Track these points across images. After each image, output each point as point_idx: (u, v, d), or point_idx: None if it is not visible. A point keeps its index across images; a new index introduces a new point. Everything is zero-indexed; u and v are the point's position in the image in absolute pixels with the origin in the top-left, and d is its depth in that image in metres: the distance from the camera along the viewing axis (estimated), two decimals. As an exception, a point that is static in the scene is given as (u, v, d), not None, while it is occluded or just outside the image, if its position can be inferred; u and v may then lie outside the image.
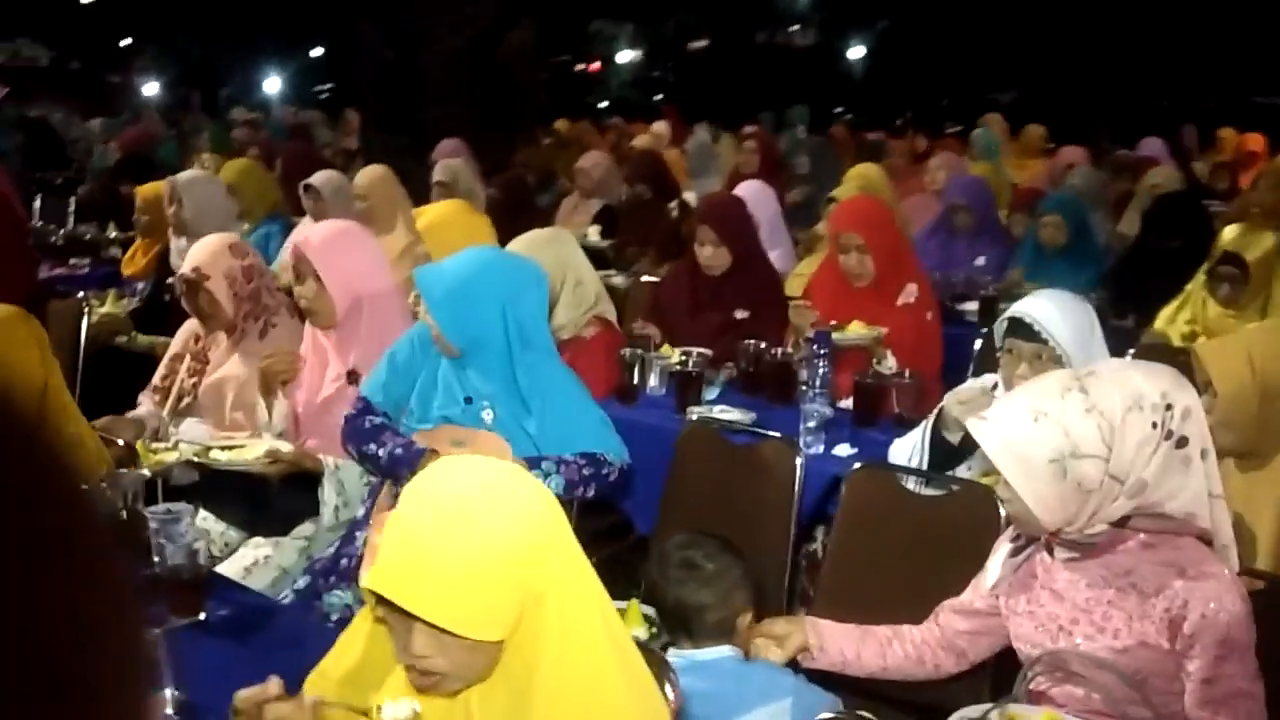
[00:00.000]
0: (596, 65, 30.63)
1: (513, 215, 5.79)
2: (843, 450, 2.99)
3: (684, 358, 3.50)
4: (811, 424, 2.93)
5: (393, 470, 2.48)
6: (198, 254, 2.86)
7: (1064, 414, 1.83)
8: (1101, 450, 1.81)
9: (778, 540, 2.69)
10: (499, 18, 9.16)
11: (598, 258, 6.13)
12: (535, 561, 1.28)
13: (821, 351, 3.15)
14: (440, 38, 8.73)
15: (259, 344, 2.97)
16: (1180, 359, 3.64)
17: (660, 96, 31.83)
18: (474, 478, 1.34)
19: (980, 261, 5.48)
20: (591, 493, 2.61)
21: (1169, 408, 1.86)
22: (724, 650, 1.95)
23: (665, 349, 3.84)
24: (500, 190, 5.94)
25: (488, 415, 2.64)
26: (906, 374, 3.32)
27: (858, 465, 2.66)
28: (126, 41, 24.14)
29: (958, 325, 4.55)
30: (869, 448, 3.03)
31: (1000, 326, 2.63)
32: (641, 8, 28.90)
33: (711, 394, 3.50)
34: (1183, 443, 1.87)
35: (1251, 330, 2.50)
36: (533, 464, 2.55)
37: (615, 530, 3.28)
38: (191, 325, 3.18)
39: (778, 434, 2.89)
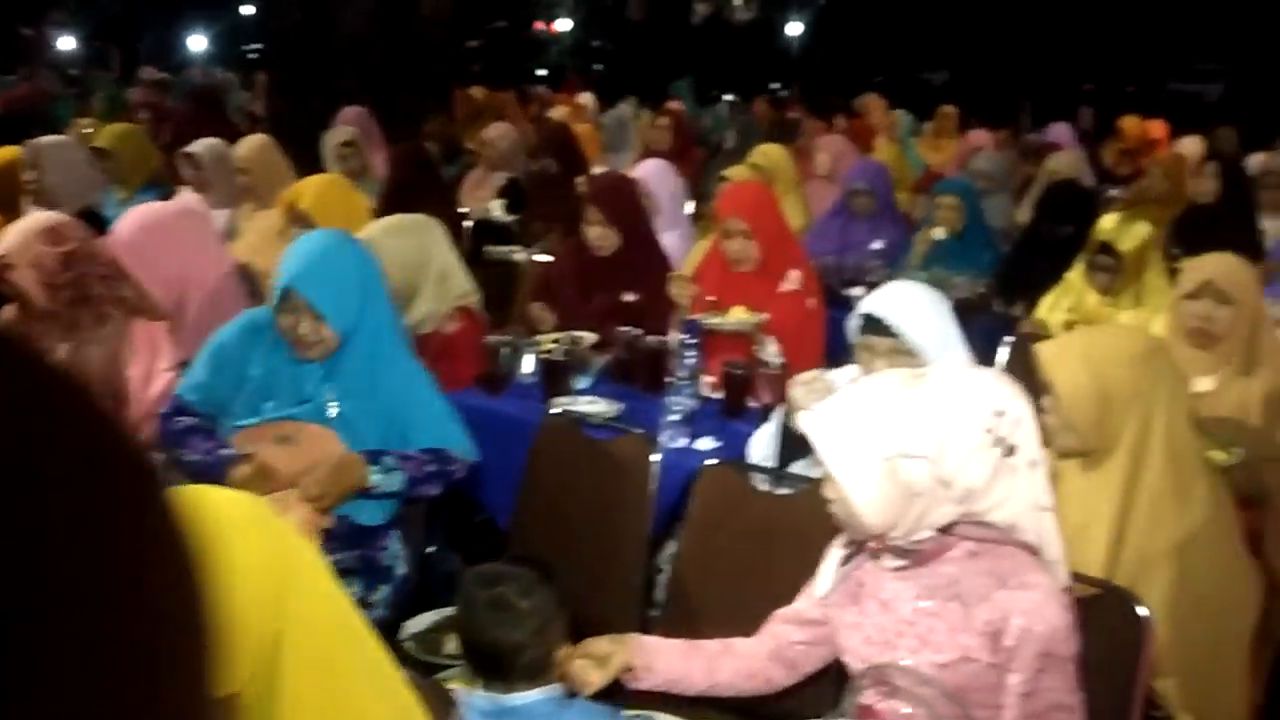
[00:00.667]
0: (555, 25, 30.13)
1: (410, 188, 5.64)
2: (705, 444, 2.93)
3: (554, 345, 3.40)
4: (674, 416, 2.86)
5: (201, 481, 2.37)
6: (5, 238, 2.67)
7: (895, 412, 1.77)
8: (930, 451, 1.76)
9: (633, 542, 2.62)
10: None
11: (502, 233, 6.02)
12: (266, 603, 1.18)
13: (691, 340, 3.07)
14: (353, -2, 8.50)
15: (99, 332, 2.81)
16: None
17: (599, 67, 31.67)
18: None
19: (878, 245, 5.46)
20: (436, 490, 2.53)
21: (1001, 414, 1.82)
22: (537, 694, 1.81)
23: (544, 337, 3.75)
24: (396, 162, 5.76)
25: (333, 409, 2.53)
26: (775, 362, 3.25)
27: (707, 463, 2.59)
28: (46, -8, 23.27)
29: (846, 310, 4.51)
30: (735, 441, 2.97)
31: (854, 321, 2.58)
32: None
33: (584, 383, 3.42)
34: (1012, 451, 1.83)
35: (1091, 331, 2.47)
36: (373, 459, 2.45)
37: (482, 529, 3.20)
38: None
39: (639, 429, 2.82)
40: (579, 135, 7.40)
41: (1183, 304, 3.11)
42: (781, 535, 2.46)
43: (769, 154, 5.82)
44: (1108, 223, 4.05)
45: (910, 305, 2.54)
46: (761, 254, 3.86)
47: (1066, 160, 6.21)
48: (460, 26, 9.88)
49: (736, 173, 5.66)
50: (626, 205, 4.20)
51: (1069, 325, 4.12)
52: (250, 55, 20.54)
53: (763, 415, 3.11)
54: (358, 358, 2.50)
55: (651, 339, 3.44)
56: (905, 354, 2.52)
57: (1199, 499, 2.28)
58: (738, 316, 3.75)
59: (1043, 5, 23.93)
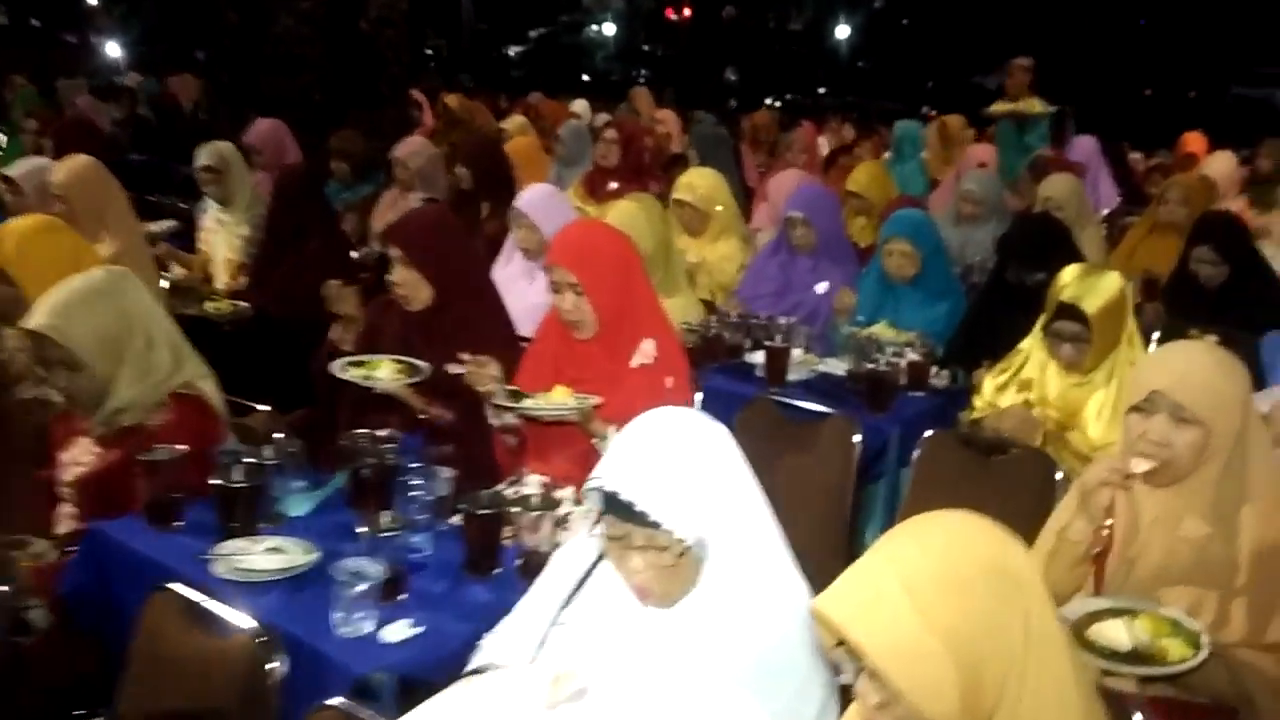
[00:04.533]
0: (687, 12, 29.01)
1: (286, 216, 4.82)
2: (395, 632, 1.99)
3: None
4: (354, 587, 1.94)
5: None
6: None
7: None
8: None
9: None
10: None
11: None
12: None
13: (415, 465, 2.16)
14: (290, -1, 7.73)
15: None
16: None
17: (645, 73, 30.79)
18: None
19: (822, 288, 4.50)
20: None
21: None
22: None
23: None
24: (275, 188, 4.95)
25: None
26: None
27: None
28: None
29: (742, 380, 3.58)
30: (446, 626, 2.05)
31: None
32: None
33: (304, 507, 2.48)
34: None
35: (899, 550, 1.45)
36: None
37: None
38: None
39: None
40: (522, 147, 6.53)
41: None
42: None
43: (695, 183, 4.88)
44: (1068, 276, 3.08)
45: (667, 476, 1.68)
46: (600, 317, 2.95)
47: (1063, 186, 5.18)
48: (419, 28, 9.02)
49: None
50: (444, 247, 3.30)
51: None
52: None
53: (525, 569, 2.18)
54: None
55: (391, 449, 2.51)
56: (663, 549, 1.68)
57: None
58: (557, 399, 2.85)
59: (1101, 5, 22.60)
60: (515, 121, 7.76)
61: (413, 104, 9.79)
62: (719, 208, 4.89)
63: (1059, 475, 2.70)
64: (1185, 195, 5.04)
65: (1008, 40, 24.31)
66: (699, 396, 3.24)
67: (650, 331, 3.01)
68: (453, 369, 3.03)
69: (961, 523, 1.41)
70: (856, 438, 2.92)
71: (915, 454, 2.90)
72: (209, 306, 4.53)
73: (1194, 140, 7.85)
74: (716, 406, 3.24)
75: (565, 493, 2.98)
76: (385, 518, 2.19)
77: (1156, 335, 4.15)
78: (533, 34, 29.93)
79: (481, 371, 2.91)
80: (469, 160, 5.75)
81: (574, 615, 1.83)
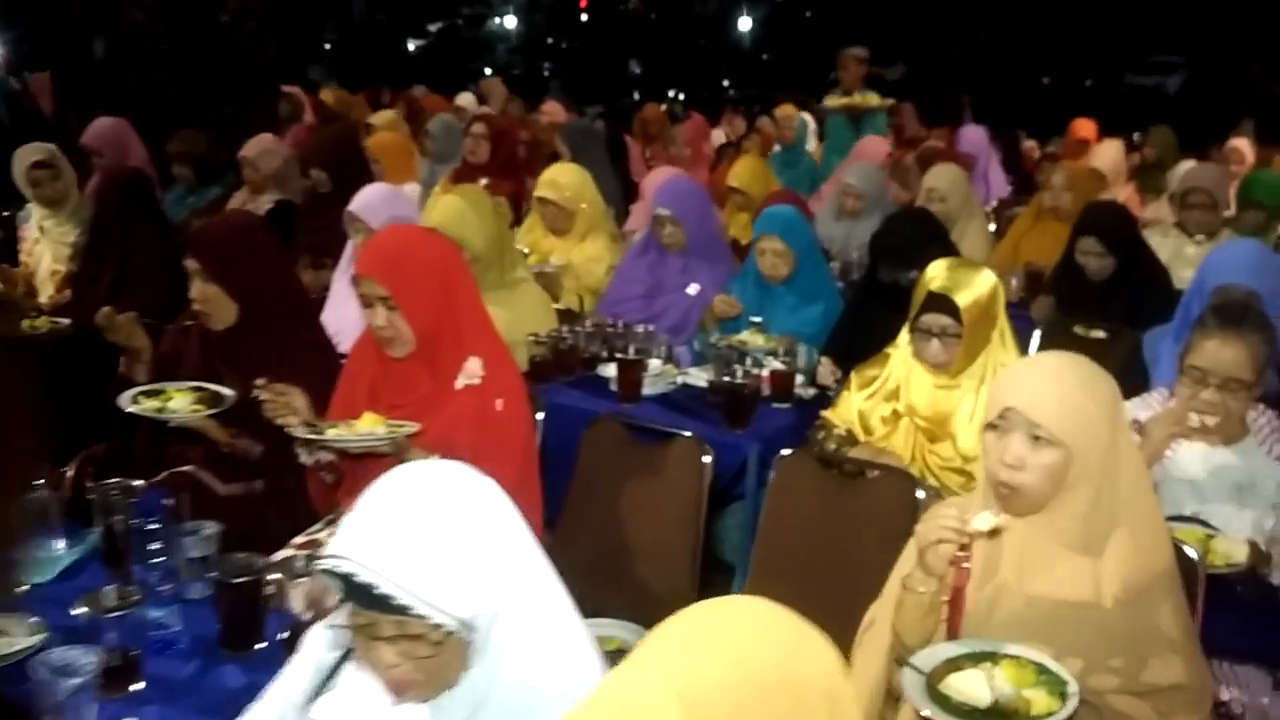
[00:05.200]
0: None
1: (113, 222, 4.39)
2: None
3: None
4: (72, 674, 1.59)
5: None
6: None
7: None
8: None
9: None
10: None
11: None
12: None
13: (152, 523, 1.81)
14: (139, -10, 7.22)
15: None
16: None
17: (549, 65, 30.32)
18: None
19: (693, 290, 4.22)
20: None
21: None
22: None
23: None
24: (96, 193, 4.52)
25: None
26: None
27: None
28: None
29: (595, 396, 3.27)
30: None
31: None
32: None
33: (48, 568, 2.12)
34: None
35: (676, 655, 1.11)
36: None
37: None
38: None
39: None
40: (387, 144, 6.14)
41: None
42: None
43: (558, 179, 4.56)
44: (938, 267, 2.83)
45: (417, 551, 1.37)
46: (418, 334, 2.62)
47: (947, 177, 4.97)
48: (283, 22, 8.56)
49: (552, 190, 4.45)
50: (249, 259, 2.95)
51: (893, 419, 2.90)
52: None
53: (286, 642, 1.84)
54: None
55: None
56: (417, 637, 1.40)
57: None
58: (364, 428, 2.52)
59: (999, -3, 22.78)
60: (384, 117, 7.35)
61: (286, 101, 9.34)
62: (584, 205, 4.58)
63: (920, 495, 2.44)
64: (1069, 182, 4.85)
65: (909, 31, 24.48)
66: (541, 416, 2.93)
67: (476, 348, 2.69)
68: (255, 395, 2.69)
69: (752, 619, 1.12)
70: (707, 459, 2.64)
71: (770, 475, 2.62)
72: (25, 324, 4.11)
73: (1084, 126, 7.73)
74: (563, 426, 2.97)
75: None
76: (109, 593, 1.83)
77: (1038, 333, 3.95)
78: (432, 27, 29.29)
79: (280, 400, 2.56)
80: (323, 160, 5.35)
81: (323, 713, 1.51)
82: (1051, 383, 1.83)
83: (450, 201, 3.84)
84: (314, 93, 9.68)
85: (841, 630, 1.97)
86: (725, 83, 25.25)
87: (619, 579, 2.71)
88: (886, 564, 2.06)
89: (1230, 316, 2.52)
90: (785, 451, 2.64)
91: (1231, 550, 2.35)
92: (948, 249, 3.58)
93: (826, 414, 2.99)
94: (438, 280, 2.65)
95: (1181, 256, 4.62)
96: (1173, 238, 4.79)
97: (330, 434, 2.52)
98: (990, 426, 1.87)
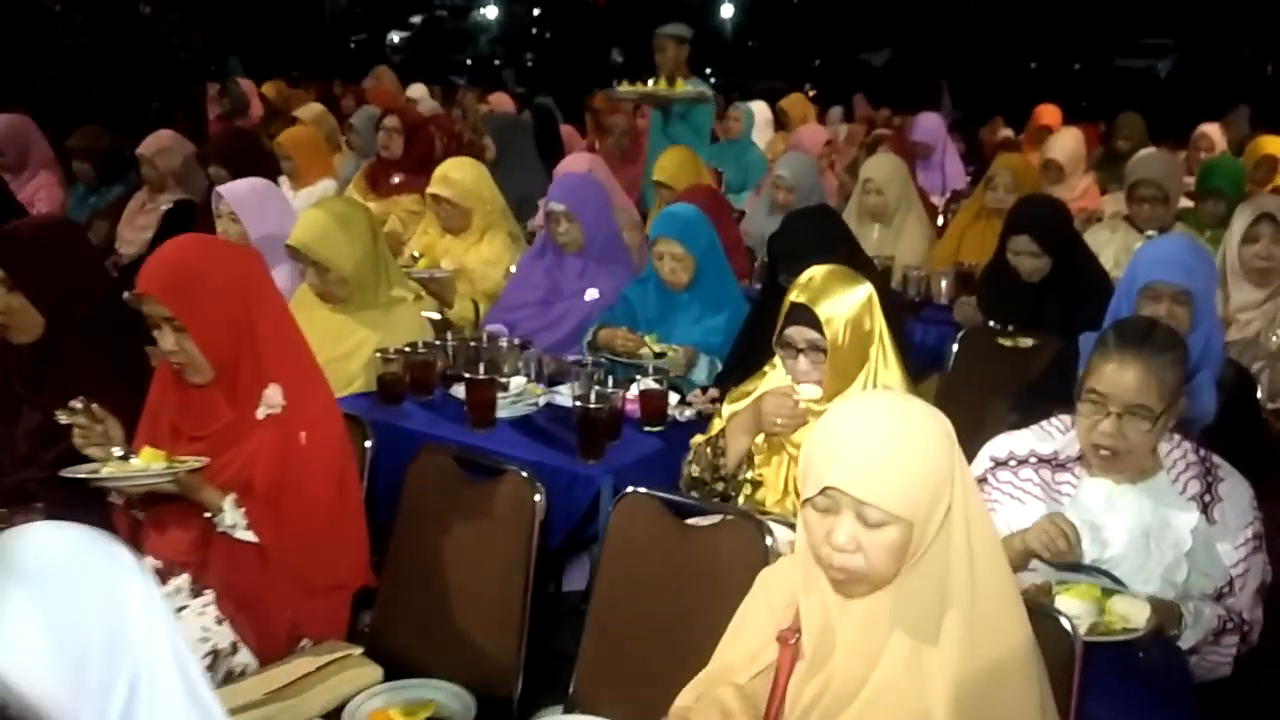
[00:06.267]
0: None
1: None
2: None
3: None
4: None
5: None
6: None
7: None
8: None
9: None
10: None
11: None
12: None
13: None
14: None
15: None
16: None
17: (531, 56, 29.86)
18: None
19: (591, 295, 3.87)
20: None
21: None
22: None
23: None
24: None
25: None
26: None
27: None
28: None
29: (449, 421, 2.92)
30: None
31: None
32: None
33: None
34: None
35: None
36: None
37: None
38: None
39: None
40: (300, 139, 5.80)
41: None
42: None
43: (450, 175, 4.21)
44: (805, 275, 2.50)
45: None
46: (211, 360, 2.29)
47: (884, 167, 4.61)
48: (209, 12, 8.20)
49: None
50: (60, 266, 2.66)
51: (765, 448, 2.56)
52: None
53: None
54: None
55: None
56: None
57: None
58: (140, 464, 2.21)
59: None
60: (310, 110, 6.98)
61: (231, 95, 9.01)
62: (482, 202, 4.24)
63: (769, 542, 2.10)
64: (1015, 182, 4.50)
65: (894, 15, 24.07)
66: (369, 444, 2.59)
67: (277, 375, 2.35)
68: (63, 419, 2.37)
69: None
70: (538, 497, 2.30)
71: (609, 517, 2.28)
72: None
73: (1048, 113, 7.35)
74: (405, 454, 2.62)
75: (179, 580, 2.35)
76: None
77: (960, 335, 3.60)
78: (414, 19, 28.84)
79: (93, 430, 2.27)
80: (222, 157, 5.03)
81: None
82: (877, 450, 1.48)
83: (314, 217, 3.35)
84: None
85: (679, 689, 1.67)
86: (708, 70, 24.77)
87: (445, 634, 2.38)
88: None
89: (1132, 336, 2.17)
90: (629, 489, 2.29)
91: (1131, 612, 2.01)
92: (851, 250, 3.24)
93: (697, 440, 2.65)
94: (233, 299, 2.32)
95: (1130, 252, 4.27)
96: (1121, 232, 4.45)
97: (105, 471, 2.21)
98: (807, 502, 1.54)
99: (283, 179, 5.77)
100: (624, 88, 6.24)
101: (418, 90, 10.16)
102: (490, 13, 29.66)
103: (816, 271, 2.47)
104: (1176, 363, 2.15)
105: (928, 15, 23.39)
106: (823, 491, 1.50)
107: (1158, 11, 20.16)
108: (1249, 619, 2.21)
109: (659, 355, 3.38)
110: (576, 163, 4.70)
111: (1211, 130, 6.74)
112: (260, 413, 2.35)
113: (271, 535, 2.30)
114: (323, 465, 2.36)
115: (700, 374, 3.47)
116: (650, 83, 6.09)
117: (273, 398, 2.34)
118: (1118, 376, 2.12)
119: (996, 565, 1.58)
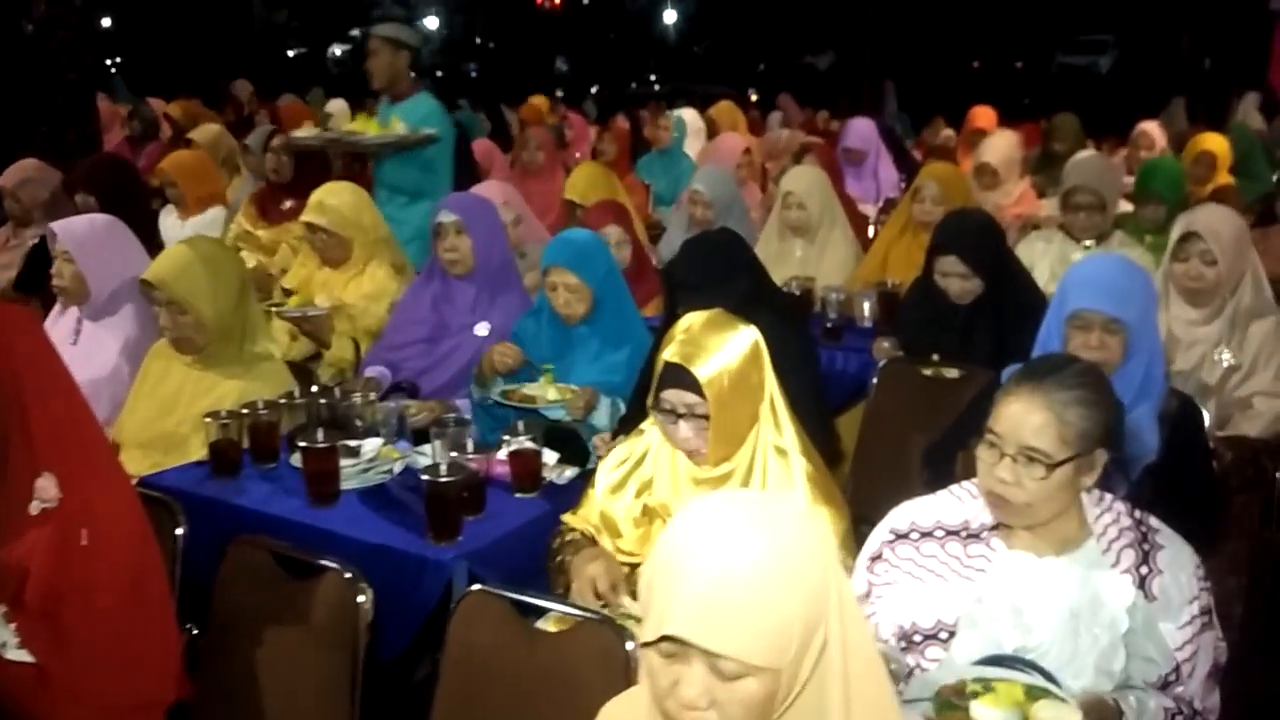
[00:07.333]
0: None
1: None
2: None
3: None
4: None
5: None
6: None
7: None
8: None
9: None
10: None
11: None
12: None
13: None
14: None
15: None
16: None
17: (474, 66, 29.44)
18: None
19: (482, 330, 3.51)
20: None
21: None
22: None
23: None
24: None
25: None
26: None
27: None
28: None
29: (287, 495, 2.54)
30: None
31: None
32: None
33: None
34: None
35: None
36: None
37: None
38: None
39: None
40: (186, 162, 5.40)
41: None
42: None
43: (326, 201, 3.83)
44: (682, 325, 2.15)
45: None
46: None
47: (805, 180, 4.29)
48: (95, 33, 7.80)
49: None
50: None
51: (644, 520, 2.21)
52: None
53: None
54: None
55: None
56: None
57: None
58: None
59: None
60: (204, 131, 6.56)
61: (140, 117, 8.56)
62: (363, 231, 3.87)
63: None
64: (943, 194, 4.19)
65: (838, 18, 23.88)
66: (180, 532, 2.21)
67: (51, 462, 1.97)
68: None
69: None
70: (362, 599, 1.93)
71: (452, 615, 1.92)
72: None
73: (982, 115, 7.07)
74: (224, 540, 2.24)
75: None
76: None
77: (881, 365, 3.27)
78: (354, 32, 28.31)
79: None
80: (91, 185, 4.63)
81: None
82: (729, 593, 1.12)
83: (177, 253, 2.97)
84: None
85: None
86: (653, 77, 24.53)
87: (265, 761, 2.01)
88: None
89: (1037, 372, 1.86)
90: (475, 587, 1.94)
91: (1061, 718, 1.69)
92: (754, 278, 2.91)
93: (566, 517, 2.29)
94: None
95: (1068, 264, 3.97)
96: (1057, 242, 4.16)
97: None
98: (647, 645, 1.19)
99: (170, 208, 5.41)
100: (304, 131, 4.98)
101: (336, 105, 9.73)
102: (431, 23, 29.18)
103: (694, 320, 2.13)
104: (1086, 404, 1.83)
105: (871, 17, 23.25)
106: (664, 638, 1.16)
107: (1098, 8, 20.11)
108: (1201, 708, 1.89)
109: (552, 401, 3.03)
110: (488, 192, 4.32)
111: (1151, 128, 6.49)
112: (33, 508, 1.97)
113: (49, 653, 1.94)
114: (110, 566, 1.98)
115: (601, 418, 3.11)
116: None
117: (45, 490, 1.96)
118: (1014, 415, 1.81)
119: (874, 679, 1.25)
